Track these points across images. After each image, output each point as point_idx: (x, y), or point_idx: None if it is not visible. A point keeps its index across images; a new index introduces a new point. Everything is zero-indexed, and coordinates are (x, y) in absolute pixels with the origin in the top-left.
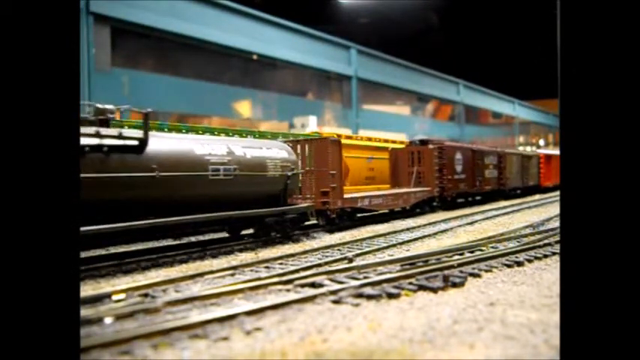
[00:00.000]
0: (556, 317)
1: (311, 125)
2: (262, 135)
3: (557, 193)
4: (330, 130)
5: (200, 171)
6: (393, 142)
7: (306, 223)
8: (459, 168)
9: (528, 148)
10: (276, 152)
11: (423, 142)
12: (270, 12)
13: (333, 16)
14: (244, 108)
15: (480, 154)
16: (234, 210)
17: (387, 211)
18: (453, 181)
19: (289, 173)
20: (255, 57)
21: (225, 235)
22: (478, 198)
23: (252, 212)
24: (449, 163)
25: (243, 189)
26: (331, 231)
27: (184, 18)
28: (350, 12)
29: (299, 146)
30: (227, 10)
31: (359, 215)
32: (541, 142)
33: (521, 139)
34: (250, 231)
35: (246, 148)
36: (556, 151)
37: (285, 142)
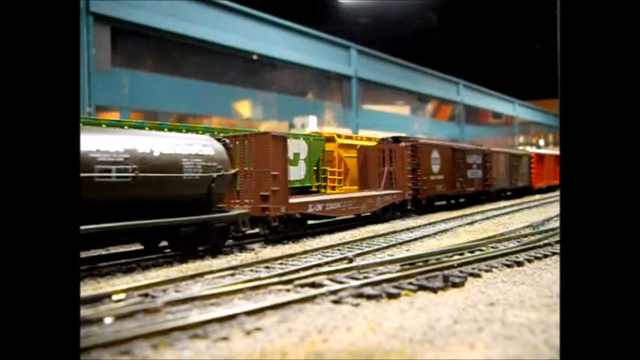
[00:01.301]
0: (556, 317)
1: (311, 125)
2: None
3: (557, 193)
4: (330, 129)
5: (82, 172)
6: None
7: (248, 231)
8: (435, 168)
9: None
10: (198, 149)
11: (396, 140)
12: (270, 12)
13: (333, 16)
14: (244, 108)
15: (461, 152)
16: (139, 219)
17: (352, 216)
18: (429, 183)
19: (215, 174)
20: (255, 57)
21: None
22: (462, 200)
23: (153, 222)
24: (424, 163)
25: (148, 194)
26: (272, 241)
27: (184, 18)
28: (350, 12)
29: (238, 142)
30: (227, 10)
31: (311, 222)
32: (541, 142)
33: (522, 139)
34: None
35: (156, 144)
36: (549, 151)
37: (223, 137)
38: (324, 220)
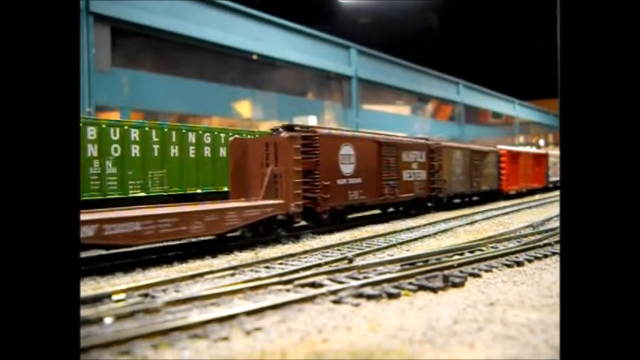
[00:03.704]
0: (556, 317)
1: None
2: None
3: (557, 193)
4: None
5: None
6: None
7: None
8: (348, 169)
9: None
10: None
11: (289, 129)
12: (270, 12)
13: (333, 16)
14: (244, 108)
15: (391, 147)
16: None
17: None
18: (336, 189)
19: None
20: (255, 57)
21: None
22: (398, 209)
23: None
24: (327, 162)
25: None
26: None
27: (184, 18)
28: (350, 12)
29: None
30: (227, 10)
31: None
32: (541, 142)
33: (522, 139)
34: None
35: None
36: (526, 148)
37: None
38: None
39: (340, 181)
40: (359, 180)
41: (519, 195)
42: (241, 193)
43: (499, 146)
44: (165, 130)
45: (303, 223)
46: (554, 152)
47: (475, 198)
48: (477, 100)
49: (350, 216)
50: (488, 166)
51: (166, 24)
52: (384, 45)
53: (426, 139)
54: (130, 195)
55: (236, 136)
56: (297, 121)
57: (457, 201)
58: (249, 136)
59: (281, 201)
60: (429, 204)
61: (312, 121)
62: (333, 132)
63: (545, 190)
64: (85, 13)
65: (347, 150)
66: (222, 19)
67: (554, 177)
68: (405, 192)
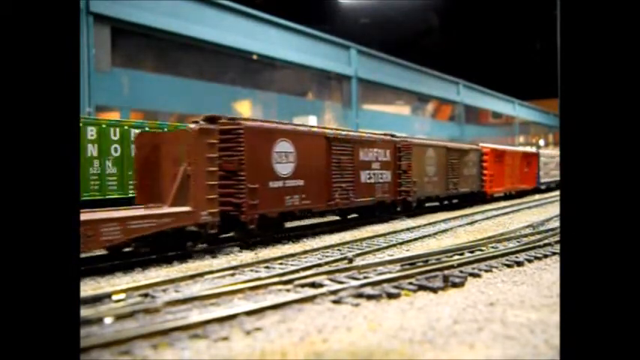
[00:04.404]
0: (556, 317)
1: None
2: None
3: (557, 193)
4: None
5: None
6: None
7: None
8: (285, 169)
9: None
10: None
11: (210, 120)
12: (270, 12)
13: (333, 16)
14: (244, 108)
15: (345, 144)
16: None
17: None
18: (269, 193)
19: None
20: (255, 57)
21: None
22: (354, 216)
23: None
24: (257, 161)
25: None
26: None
27: (184, 18)
28: (350, 12)
29: None
30: (227, 10)
31: None
32: (541, 142)
33: (522, 139)
34: None
35: None
36: (515, 147)
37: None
38: None
39: (274, 184)
40: (300, 182)
41: (507, 197)
42: (150, 198)
43: (483, 144)
44: (165, 130)
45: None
46: (547, 152)
47: (454, 201)
48: (477, 100)
49: (294, 224)
50: (468, 166)
51: (166, 24)
52: (384, 45)
53: (392, 135)
54: (130, 195)
55: (145, 129)
56: (297, 121)
57: (430, 205)
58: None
59: (187, 209)
60: (397, 209)
61: (312, 121)
62: (265, 125)
63: (537, 191)
64: (85, 13)
65: (284, 146)
66: (222, 19)
67: (547, 178)
68: (364, 196)
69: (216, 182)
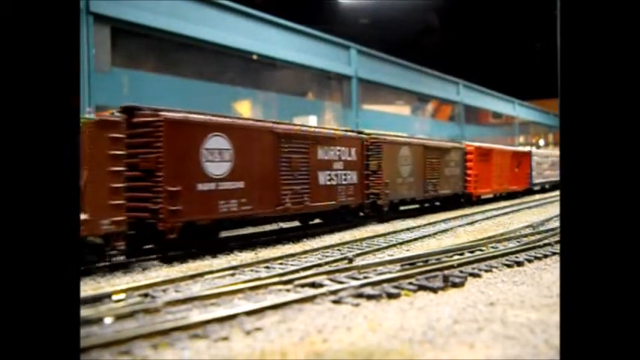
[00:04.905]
0: (556, 317)
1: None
2: None
3: (557, 193)
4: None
5: None
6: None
7: None
8: (218, 168)
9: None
10: None
11: (127, 111)
12: (270, 12)
13: (333, 16)
14: (244, 108)
15: (298, 141)
16: None
17: None
18: (197, 197)
19: None
20: (255, 57)
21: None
22: (314, 222)
23: None
24: (181, 159)
25: None
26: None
27: (184, 18)
28: (350, 12)
29: None
30: (227, 10)
31: None
32: (541, 142)
33: (522, 139)
34: None
35: None
36: (503, 146)
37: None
38: None
39: (203, 187)
40: (239, 185)
41: (496, 199)
42: None
43: (467, 143)
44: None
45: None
46: (540, 151)
47: (437, 203)
48: (476, 100)
49: (233, 234)
50: (450, 166)
51: (166, 24)
52: (384, 45)
53: (360, 132)
54: None
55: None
56: (298, 121)
57: (408, 208)
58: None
59: (83, 217)
60: (365, 212)
61: (312, 121)
62: (192, 117)
63: (529, 193)
64: (85, 13)
65: (217, 143)
66: (222, 19)
67: (540, 179)
68: (323, 200)
69: (122, 185)
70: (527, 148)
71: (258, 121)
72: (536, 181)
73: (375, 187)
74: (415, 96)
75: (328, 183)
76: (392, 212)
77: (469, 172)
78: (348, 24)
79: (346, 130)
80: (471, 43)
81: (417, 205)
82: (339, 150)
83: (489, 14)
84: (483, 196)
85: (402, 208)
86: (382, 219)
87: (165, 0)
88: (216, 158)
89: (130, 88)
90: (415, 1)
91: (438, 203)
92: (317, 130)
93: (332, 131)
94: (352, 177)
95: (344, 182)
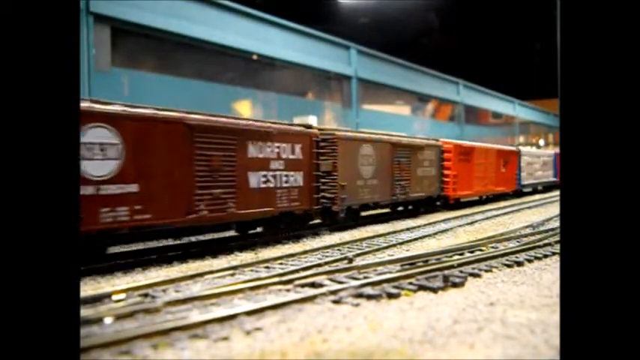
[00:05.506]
0: (556, 317)
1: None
2: None
3: (557, 193)
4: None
5: None
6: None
7: None
8: (99, 168)
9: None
10: None
11: None
12: (270, 12)
13: (333, 16)
14: (244, 108)
15: (221, 136)
16: None
17: None
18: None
19: None
20: (255, 57)
21: (226, 234)
22: (254, 231)
23: None
24: None
25: None
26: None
27: (184, 18)
28: (350, 12)
29: None
30: (227, 10)
31: None
32: (541, 142)
33: (522, 139)
34: None
35: None
36: (487, 144)
37: None
38: None
39: (81, 191)
40: (131, 188)
41: (479, 202)
42: None
43: (445, 140)
44: None
45: None
46: (532, 150)
47: (409, 207)
48: (476, 100)
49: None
50: (423, 166)
51: (166, 24)
52: (384, 45)
53: (308, 126)
54: None
55: None
56: (297, 121)
57: (374, 213)
58: None
59: None
60: (314, 220)
61: (312, 120)
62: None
63: (518, 195)
64: (85, 13)
65: (99, 135)
66: (222, 19)
67: (531, 179)
68: (256, 205)
69: None
70: (514, 147)
71: (163, 110)
72: (525, 182)
73: (328, 191)
74: (415, 96)
75: (263, 186)
76: (353, 219)
77: (447, 172)
78: (348, 24)
79: (291, 124)
80: (470, 43)
81: (387, 210)
82: (278, 147)
83: (489, 14)
84: (464, 199)
85: (365, 213)
86: (336, 227)
87: (165, 0)
88: (97, 155)
89: (130, 88)
90: (415, 1)
91: (410, 207)
92: (247, 122)
93: (269, 124)
94: (297, 179)
95: (285, 185)
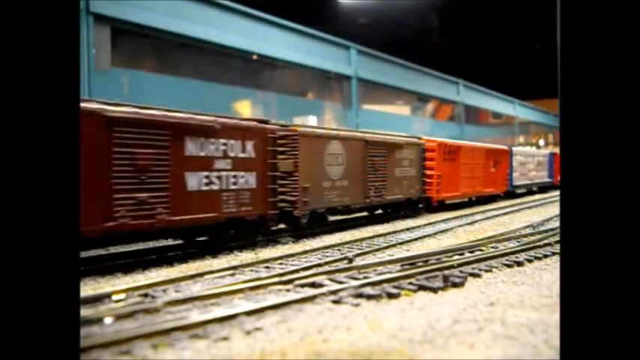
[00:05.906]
0: (556, 317)
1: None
2: None
3: (557, 193)
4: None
5: None
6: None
7: None
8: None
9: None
10: None
11: None
12: (270, 12)
13: (333, 16)
14: (244, 108)
15: (147, 130)
16: None
17: None
18: None
19: None
20: (255, 57)
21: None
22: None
23: None
24: None
25: None
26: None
27: (184, 18)
28: (350, 12)
29: None
30: (227, 10)
31: None
32: (541, 142)
33: (522, 139)
34: None
35: None
36: (475, 143)
37: None
38: None
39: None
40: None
41: (466, 204)
42: None
43: (428, 138)
44: None
45: None
46: (525, 149)
47: (389, 210)
48: (476, 100)
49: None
50: (402, 165)
51: (166, 24)
52: (383, 45)
53: (264, 121)
54: None
55: None
56: (298, 121)
57: (345, 218)
58: None
59: None
60: (270, 226)
61: (312, 120)
62: None
63: (510, 196)
64: (85, 13)
65: None
66: (222, 19)
67: (524, 180)
68: (193, 211)
69: None
70: (505, 146)
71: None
72: (518, 182)
73: (288, 194)
74: (415, 96)
75: (205, 188)
76: (319, 224)
77: (430, 172)
78: (348, 24)
79: (242, 119)
80: (470, 43)
81: (365, 213)
82: (224, 144)
83: (489, 14)
84: (449, 201)
85: (334, 218)
86: (298, 234)
87: (165, 0)
88: None
89: (130, 88)
90: (415, 1)
91: (389, 210)
92: (184, 116)
93: (213, 118)
94: (248, 180)
95: (233, 187)
